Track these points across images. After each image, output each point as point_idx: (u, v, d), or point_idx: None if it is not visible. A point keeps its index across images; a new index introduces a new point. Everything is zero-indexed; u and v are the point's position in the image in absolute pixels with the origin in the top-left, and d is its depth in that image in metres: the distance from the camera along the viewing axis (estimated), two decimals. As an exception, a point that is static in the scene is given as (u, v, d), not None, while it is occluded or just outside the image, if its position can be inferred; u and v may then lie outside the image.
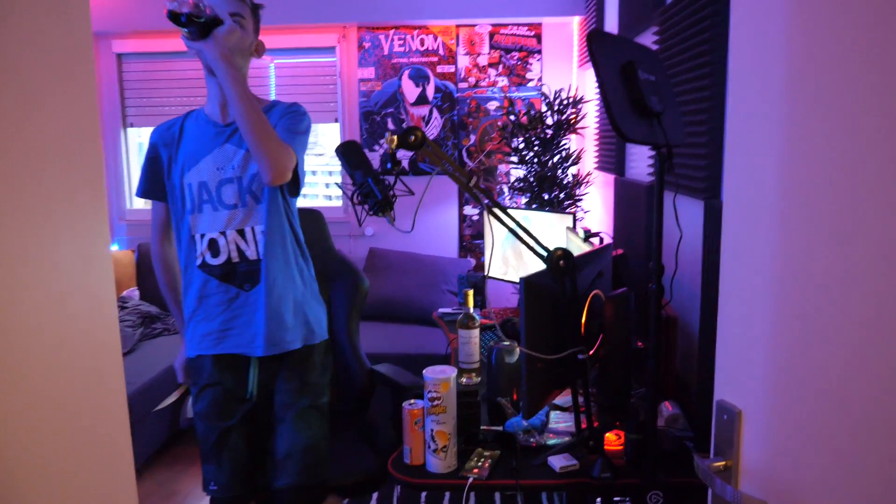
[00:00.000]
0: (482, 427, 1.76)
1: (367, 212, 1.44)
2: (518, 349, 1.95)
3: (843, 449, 0.71)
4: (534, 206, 3.50)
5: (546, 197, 3.47)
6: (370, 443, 2.15)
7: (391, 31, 4.13)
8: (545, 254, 1.47)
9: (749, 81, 0.85)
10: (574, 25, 4.07)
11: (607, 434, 1.70)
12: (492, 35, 4.13)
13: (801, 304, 0.77)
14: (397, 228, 1.34)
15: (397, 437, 2.13)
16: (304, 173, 1.72)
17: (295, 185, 1.71)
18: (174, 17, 1.49)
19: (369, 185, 1.40)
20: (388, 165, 1.48)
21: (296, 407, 1.73)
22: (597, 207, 3.65)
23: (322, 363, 1.80)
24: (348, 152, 1.49)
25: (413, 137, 1.33)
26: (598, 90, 3.40)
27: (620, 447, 1.66)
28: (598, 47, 1.26)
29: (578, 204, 3.53)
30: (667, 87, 1.49)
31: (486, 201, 1.45)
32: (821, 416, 0.74)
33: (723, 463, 0.90)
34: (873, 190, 0.64)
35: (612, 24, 3.18)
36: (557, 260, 1.47)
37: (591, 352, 1.57)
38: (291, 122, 1.65)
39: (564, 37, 4.12)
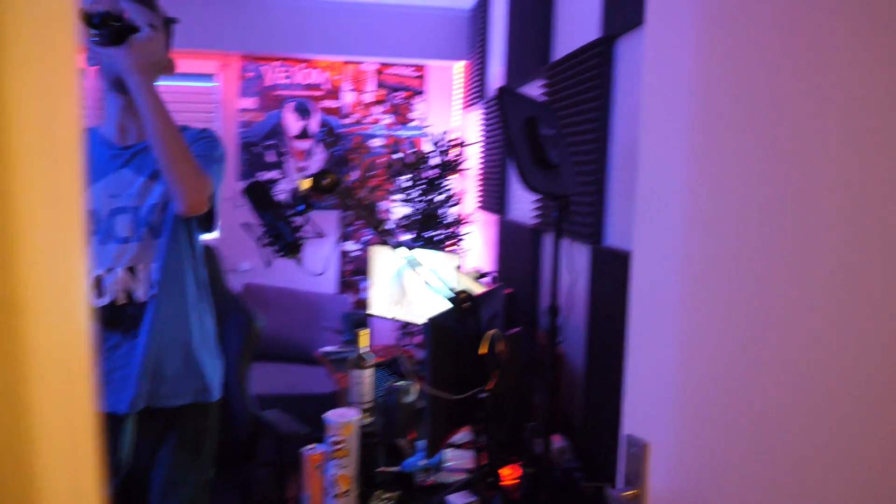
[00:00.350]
0: (380, 469, 1.75)
1: (275, 253, 1.41)
2: (415, 388, 1.97)
3: (743, 476, 0.80)
4: (417, 244, 3.56)
5: (429, 235, 3.55)
6: (246, 495, 2.05)
7: (276, 63, 4.08)
8: (452, 295, 1.52)
9: (658, 146, 0.95)
10: (458, 69, 4.25)
11: (502, 469, 1.76)
12: (378, 73, 4.20)
13: (705, 346, 0.86)
14: (307, 271, 1.32)
15: (278, 487, 2.05)
16: (219, 206, 1.55)
17: (209, 220, 1.54)
18: (87, 18, 1.31)
19: (279, 227, 1.38)
20: (301, 207, 1.46)
21: (184, 485, 1.52)
22: (478, 246, 3.78)
23: (215, 428, 1.61)
24: (257, 193, 1.45)
25: (327, 180, 1.33)
26: (483, 140, 3.56)
27: (516, 481, 1.72)
28: (507, 103, 1.35)
29: (460, 243, 3.65)
30: (562, 140, 1.61)
31: (397, 242, 1.48)
32: (722, 447, 0.84)
33: (632, 492, 0.97)
34: (775, 239, 0.75)
35: (496, 72, 3.36)
36: (462, 301, 1.52)
37: (488, 388, 1.63)
38: (206, 149, 1.52)
39: (448, 79, 4.28)
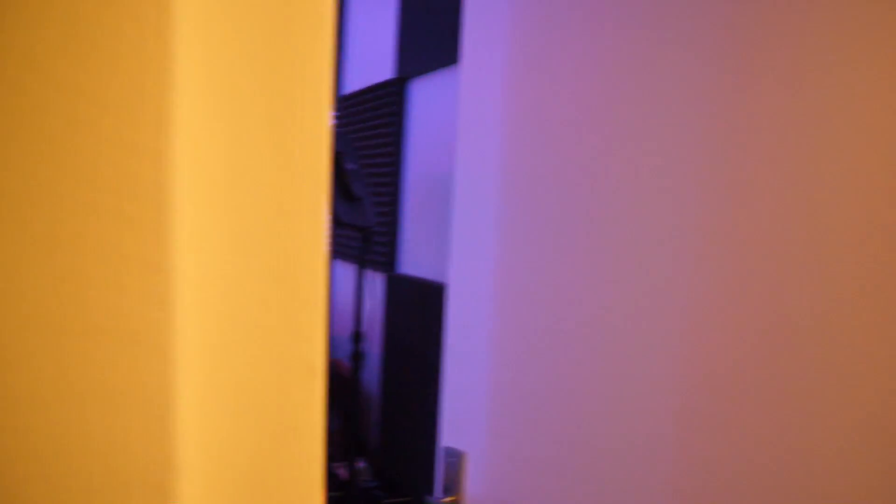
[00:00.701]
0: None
1: None
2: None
3: (554, 478, 0.94)
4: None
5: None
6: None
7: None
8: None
9: (471, 184, 1.08)
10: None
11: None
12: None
13: (513, 367, 1.00)
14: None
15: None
16: None
17: None
18: None
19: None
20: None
21: None
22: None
23: None
24: None
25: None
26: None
27: (321, 508, 1.74)
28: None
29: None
30: (364, 175, 1.70)
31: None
32: (530, 453, 0.98)
33: (451, 499, 1.08)
34: (579, 267, 0.91)
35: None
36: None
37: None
38: None
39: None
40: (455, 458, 1.08)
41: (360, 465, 1.95)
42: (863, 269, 0.65)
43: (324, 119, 0.28)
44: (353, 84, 2.40)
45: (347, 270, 2.40)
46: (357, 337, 1.63)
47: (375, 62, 2.22)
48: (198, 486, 0.20)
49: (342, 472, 1.77)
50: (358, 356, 1.62)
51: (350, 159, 1.58)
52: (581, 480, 0.90)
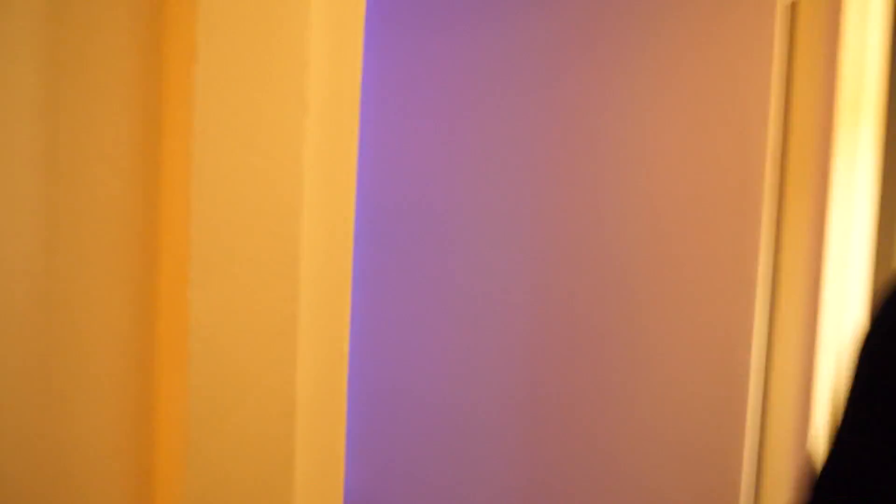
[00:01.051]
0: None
1: None
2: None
3: (408, 480, 1.00)
4: None
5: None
6: None
7: None
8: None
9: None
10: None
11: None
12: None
13: (373, 383, 1.03)
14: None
15: None
16: None
17: None
18: None
19: None
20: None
21: None
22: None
23: None
24: None
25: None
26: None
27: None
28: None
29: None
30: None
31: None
32: (390, 459, 1.02)
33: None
34: (423, 293, 0.99)
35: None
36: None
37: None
38: None
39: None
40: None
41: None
42: (666, 267, 0.81)
43: (353, 161, 0.39)
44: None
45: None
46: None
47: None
48: (304, 425, 0.38)
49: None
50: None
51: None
52: (438, 481, 0.98)
